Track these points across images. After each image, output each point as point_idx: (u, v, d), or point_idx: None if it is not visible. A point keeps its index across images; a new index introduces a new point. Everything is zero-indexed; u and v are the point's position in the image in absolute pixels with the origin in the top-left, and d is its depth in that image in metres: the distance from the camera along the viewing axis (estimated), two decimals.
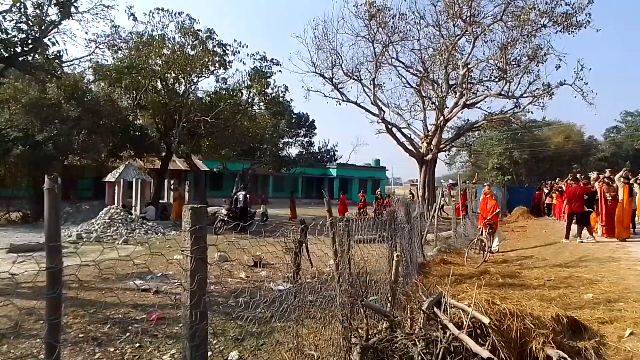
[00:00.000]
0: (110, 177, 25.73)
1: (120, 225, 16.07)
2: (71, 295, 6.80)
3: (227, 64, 22.06)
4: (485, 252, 9.91)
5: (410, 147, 25.52)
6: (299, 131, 52.13)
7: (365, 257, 6.36)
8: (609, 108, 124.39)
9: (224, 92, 22.94)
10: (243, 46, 21.78)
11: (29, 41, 9.81)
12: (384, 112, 23.85)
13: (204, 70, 21.82)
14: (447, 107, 24.78)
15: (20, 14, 9.76)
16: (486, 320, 3.83)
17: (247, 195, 17.97)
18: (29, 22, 9.81)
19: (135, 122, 22.45)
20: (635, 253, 9.96)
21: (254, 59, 22.02)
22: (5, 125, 17.01)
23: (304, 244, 7.95)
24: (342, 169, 45.70)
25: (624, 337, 4.57)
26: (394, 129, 25.12)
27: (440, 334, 3.85)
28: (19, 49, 9.62)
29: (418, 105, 26.52)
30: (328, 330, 4.90)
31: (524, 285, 7.49)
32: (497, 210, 12.73)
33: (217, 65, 21.95)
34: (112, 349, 5.04)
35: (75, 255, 9.41)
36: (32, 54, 9.79)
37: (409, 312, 4.56)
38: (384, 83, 25.98)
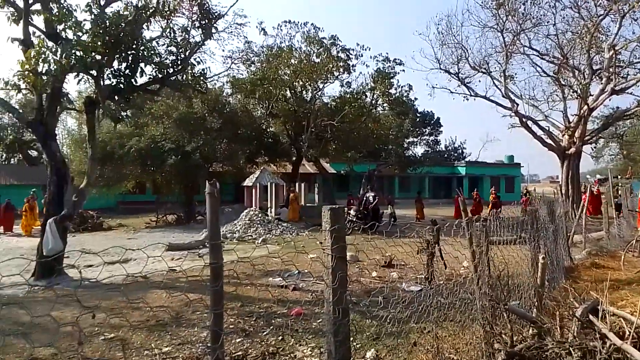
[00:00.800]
0: (248, 182, 27.82)
1: (259, 225, 17.29)
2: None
3: (351, 68, 22.53)
4: None
5: (549, 141, 23.54)
6: (424, 130, 51.01)
7: (506, 259, 6.06)
8: None
9: (348, 95, 23.42)
10: (366, 49, 22.05)
11: (179, 62, 11.03)
12: (517, 104, 22.31)
13: (329, 76, 22.51)
14: (592, 95, 22.37)
15: (169, 39, 11.00)
16: None
17: (376, 196, 18.13)
18: (178, 45, 11.02)
19: (268, 130, 23.95)
20: None
21: (377, 60, 22.20)
22: (161, 138, 19.28)
23: (437, 245, 7.78)
24: (472, 167, 43.65)
25: None
26: (529, 122, 23.37)
27: (598, 344, 3.52)
28: (170, 70, 10.88)
29: (557, 95, 24.38)
30: (467, 334, 4.76)
31: None
32: None
33: (341, 70, 22.50)
34: (258, 340, 5.45)
35: (231, 253, 10.37)
36: (181, 74, 11.04)
37: (558, 319, 4.24)
38: (516, 74, 24.49)
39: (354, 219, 17.26)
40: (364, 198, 18.16)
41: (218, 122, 19.74)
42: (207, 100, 20.27)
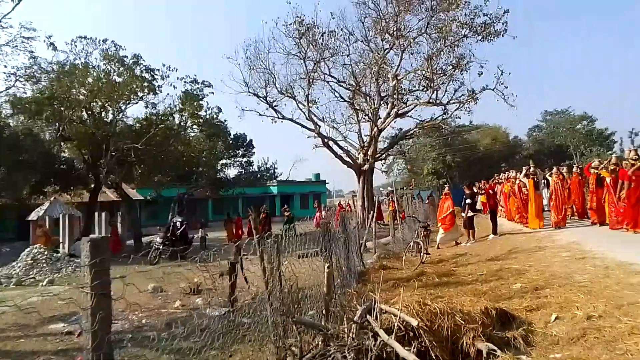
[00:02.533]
0: (34, 215, 24.07)
1: (45, 265, 14.98)
2: None
3: (157, 88, 21.40)
4: (422, 254, 10.04)
5: (347, 159, 25.81)
6: (237, 152, 51.53)
7: (299, 272, 6.24)
8: (531, 109, 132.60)
9: (154, 117, 22.17)
10: (172, 70, 21.24)
11: None
12: (319, 126, 24.00)
13: (132, 96, 21.01)
14: (380, 118, 25.35)
15: None
16: (414, 322, 3.80)
17: (184, 221, 17.44)
18: None
19: (60, 155, 21.17)
20: (559, 241, 10.48)
21: (185, 82, 21.50)
22: None
23: (238, 265, 7.67)
24: (283, 186, 45.50)
25: (550, 322, 4.70)
26: (331, 143, 25.33)
27: (371, 342, 3.77)
28: None
29: (353, 118, 26.95)
30: (264, 353, 4.72)
31: (459, 282, 7.63)
32: (451, 209, 14.05)
33: (145, 90, 21.21)
34: None
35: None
36: None
37: (346, 323, 4.46)
38: (318, 98, 26.18)
39: (161, 247, 16.29)
40: (171, 224, 17.29)
41: None
42: None
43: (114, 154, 19.42)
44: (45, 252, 15.74)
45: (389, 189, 59.58)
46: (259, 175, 50.71)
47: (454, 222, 14.18)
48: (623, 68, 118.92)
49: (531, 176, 14.21)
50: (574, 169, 15.91)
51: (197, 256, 5.99)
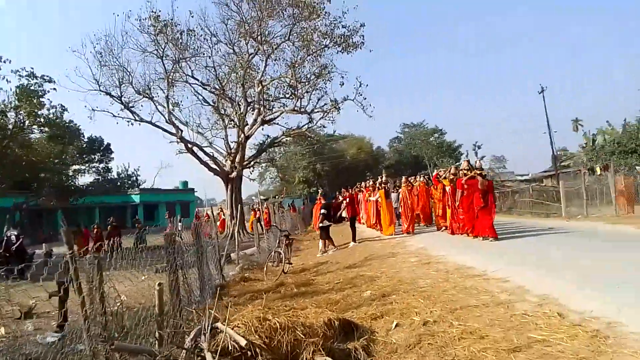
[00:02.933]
0: None
1: None
2: None
3: None
4: (283, 264, 9.90)
5: (214, 166, 25.03)
6: (93, 157, 47.11)
7: (135, 291, 5.65)
8: (394, 120, 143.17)
9: None
10: (4, 61, 18.44)
11: None
12: (182, 130, 22.88)
13: None
14: (248, 124, 25.05)
15: None
16: (243, 342, 3.52)
17: (20, 235, 15.26)
18: None
19: None
20: (410, 247, 11.14)
21: (20, 75, 18.81)
22: None
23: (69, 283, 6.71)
24: (147, 195, 42.69)
25: (391, 330, 4.77)
26: (196, 149, 24.34)
27: None
28: None
29: (218, 123, 26.26)
30: None
31: (315, 292, 7.59)
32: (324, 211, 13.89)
33: None
34: None
35: None
36: None
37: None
38: (181, 101, 24.89)
39: None
40: (5, 238, 15.00)
41: None
42: None
43: None
44: None
45: (261, 197, 59.60)
46: (118, 183, 46.84)
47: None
48: (473, 85, 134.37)
49: (383, 186, 15.04)
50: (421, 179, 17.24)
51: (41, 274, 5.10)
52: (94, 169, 48.02)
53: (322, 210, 13.30)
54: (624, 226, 12.53)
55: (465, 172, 11.43)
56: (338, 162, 59.08)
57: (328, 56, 24.39)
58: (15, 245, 14.95)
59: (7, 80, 18.79)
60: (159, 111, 23.01)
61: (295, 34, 23.69)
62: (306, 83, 24.72)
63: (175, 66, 22.63)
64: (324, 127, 29.28)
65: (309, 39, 23.06)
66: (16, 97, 19.28)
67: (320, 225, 13.11)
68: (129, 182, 48.34)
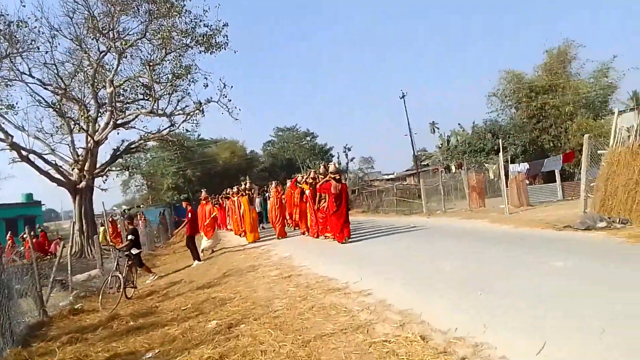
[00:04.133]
0: None
1: None
2: None
3: None
4: (122, 290, 8.34)
5: (57, 176, 21.75)
6: None
7: None
8: (267, 124, 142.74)
9: None
10: None
11: None
12: (12, 136, 19.34)
13: None
14: (99, 129, 22.28)
15: None
16: None
17: None
18: None
19: None
20: (274, 257, 10.30)
21: None
22: None
23: None
24: None
25: None
26: (33, 156, 20.89)
27: None
28: None
29: (62, 128, 22.99)
30: None
31: (154, 324, 6.33)
32: (214, 213, 13.79)
33: None
34: None
35: None
36: None
37: None
38: (17, 102, 21.04)
39: None
40: None
41: None
42: None
43: None
44: None
45: (124, 207, 55.01)
46: None
47: (214, 227, 13.72)
48: (341, 89, 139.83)
49: (247, 192, 14.21)
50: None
51: None
52: None
53: (130, 237, 10.90)
54: (477, 221, 13.11)
55: (322, 176, 11.13)
56: (210, 167, 56.76)
57: (190, 56, 22.75)
58: None
59: None
60: None
61: (151, 32, 21.60)
62: (166, 83, 22.79)
63: (1, 62, 19.09)
64: (187, 130, 27.58)
65: (168, 37, 21.16)
66: None
67: (126, 253, 10.21)
68: None
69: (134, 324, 6.69)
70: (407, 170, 52.71)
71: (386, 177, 55.75)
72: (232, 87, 22.61)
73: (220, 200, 20.89)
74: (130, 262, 9.38)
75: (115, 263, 8.84)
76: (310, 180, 12.24)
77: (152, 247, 18.67)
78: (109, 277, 8.53)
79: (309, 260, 8.86)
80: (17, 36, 19.08)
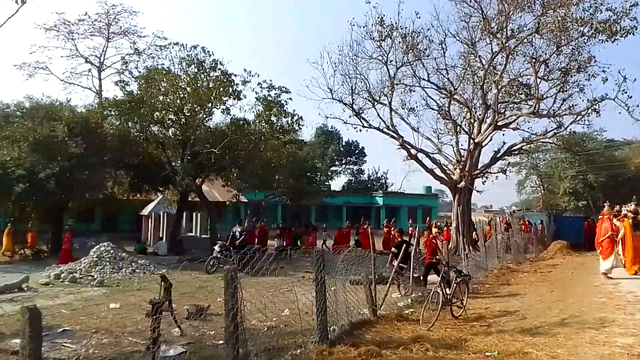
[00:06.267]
0: (145, 211, 25.98)
1: (107, 263, 15.57)
2: None
3: (240, 94, 21.31)
4: (439, 308, 7.86)
5: (440, 174, 23.36)
6: (349, 159, 51.20)
7: None
8: None
9: (240, 121, 22.05)
10: (253, 75, 20.96)
11: None
12: (402, 137, 21.92)
13: (217, 102, 21.28)
14: (480, 130, 22.53)
15: None
16: None
17: (244, 231, 17.06)
18: None
19: (154, 155, 22.20)
20: None
21: (262, 87, 21.09)
22: (14, 164, 17.39)
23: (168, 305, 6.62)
24: (390, 197, 43.53)
25: None
26: (421, 155, 23.14)
27: None
28: None
29: (448, 129, 24.47)
30: None
31: None
32: (609, 233, 11.48)
33: (231, 96, 21.26)
34: None
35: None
36: None
37: None
38: (417, 106, 23.75)
39: (219, 255, 16.02)
40: (231, 233, 16.98)
41: (81, 146, 17.98)
42: (72, 123, 18.71)
43: (189, 157, 19.88)
44: (111, 250, 16.37)
45: (514, 208, 54.17)
46: (368, 185, 49.75)
47: (612, 247, 11.58)
48: None
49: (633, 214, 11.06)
50: None
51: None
52: (349, 170, 52.19)
53: (394, 250, 10.39)
54: None
55: None
56: (618, 173, 48.50)
57: (585, 47, 19.77)
58: (239, 241, 16.71)
59: (255, 92, 21.29)
60: (379, 117, 22.61)
61: (544, 25, 19.85)
62: (556, 80, 20.66)
63: (397, 71, 21.81)
64: (595, 131, 24.18)
65: (561, 29, 18.96)
66: (263, 107, 21.63)
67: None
68: (378, 184, 50.56)
69: (432, 353, 6.20)
70: None
71: None
72: (635, 80, 18.23)
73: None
74: (460, 280, 8.85)
75: (440, 278, 8.51)
76: None
77: (518, 259, 17.37)
78: (432, 292, 8.28)
79: None
80: (414, 45, 21.17)
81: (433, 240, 12.24)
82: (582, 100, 20.06)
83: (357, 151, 50.73)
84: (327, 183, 44.41)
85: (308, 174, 31.26)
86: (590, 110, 19.34)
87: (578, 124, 20.27)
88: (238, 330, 4.70)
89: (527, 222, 25.08)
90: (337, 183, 51.60)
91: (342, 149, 49.89)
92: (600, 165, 48.65)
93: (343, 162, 50.90)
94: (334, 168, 50.30)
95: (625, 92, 18.02)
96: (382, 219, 38.50)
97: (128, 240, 22.56)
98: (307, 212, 40.00)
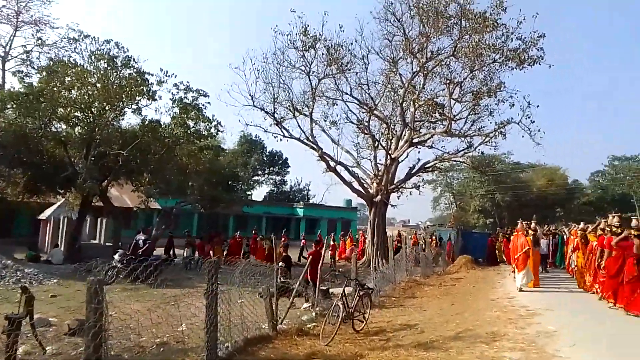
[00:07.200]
0: (43, 215, 23.73)
1: None
2: None
3: (155, 95, 20.12)
4: (339, 322, 7.65)
5: (358, 187, 23.64)
6: (272, 169, 50.75)
7: None
8: (598, 151, 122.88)
9: (153, 123, 20.76)
10: (170, 75, 19.93)
11: None
12: (321, 149, 21.95)
13: (128, 101, 19.95)
14: (397, 146, 23.12)
15: None
16: None
17: (147, 239, 16.03)
18: None
19: (55, 154, 20.30)
20: (532, 327, 7.77)
21: (177, 89, 20.13)
22: None
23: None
24: (310, 209, 43.55)
25: None
26: (340, 168, 23.28)
27: None
28: None
29: (367, 143, 24.92)
30: None
31: None
32: (526, 247, 12.17)
33: (145, 96, 20.02)
34: None
35: None
36: None
37: None
38: (338, 118, 23.89)
39: (119, 265, 14.88)
40: (134, 241, 15.89)
41: None
42: None
43: (94, 158, 18.51)
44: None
45: (428, 224, 56.42)
46: (290, 196, 49.61)
47: (526, 262, 12.17)
48: None
49: (531, 232, 11.70)
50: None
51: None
52: (271, 181, 51.69)
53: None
54: None
55: (615, 229, 7.96)
56: (522, 194, 52.28)
57: (497, 73, 21.04)
58: (142, 249, 15.68)
59: (171, 93, 20.25)
60: (300, 128, 22.50)
61: (459, 49, 20.81)
62: (467, 103, 21.76)
63: (319, 82, 21.91)
64: (503, 153, 25.55)
65: (475, 54, 19.99)
66: (179, 109, 20.59)
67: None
68: (299, 195, 50.51)
69: None
70: None
71: None
72: (538, 106, 19.62)
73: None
74: (362, 293, 8.73)
75: (342, 291, 8.32)
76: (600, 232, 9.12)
77: (426, 272, 17.82)
78: (334, 304, 8.07)
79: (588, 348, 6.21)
80: (337, 59, 21.33)
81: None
82: (491, 123, 21.30)
83: (280, 161, 50.41)
84: (248, 192, 43.67)
85: (229, 182, 30.31)
86: (497, 133, 20.52)
87: (486, 145, 21.40)
88: (99, 353, 4.11)
89: (437, 238, 25.98)
90: (259, 193, 50.81)
91: (265, 158, 49.34)
92: (507, 186, 52.06)
93: (266, 171, 50.36)
94: (256, 177, 49.61)
95: (529, 117, 19.34)
96: (302, 230, 38.40)
97: (23, 246, 20.55)
98: (226, 221, 38.88)
